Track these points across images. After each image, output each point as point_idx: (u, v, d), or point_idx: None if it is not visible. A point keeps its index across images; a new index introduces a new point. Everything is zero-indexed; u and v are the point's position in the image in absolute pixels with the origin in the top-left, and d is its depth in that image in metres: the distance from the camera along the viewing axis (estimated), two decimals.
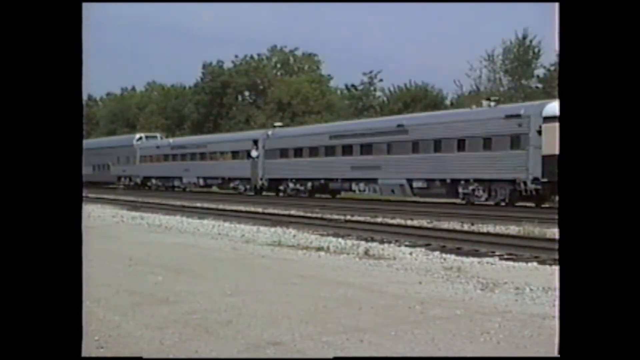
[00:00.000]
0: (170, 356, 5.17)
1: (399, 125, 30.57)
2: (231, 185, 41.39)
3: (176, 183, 47.70)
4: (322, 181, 34.82)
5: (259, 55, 69.41)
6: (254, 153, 38.82)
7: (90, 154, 55.38)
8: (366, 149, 32.04)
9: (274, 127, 41.48)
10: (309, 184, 35.72)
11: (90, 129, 76.39)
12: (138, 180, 52.18)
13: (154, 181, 50.83)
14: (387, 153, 30.83)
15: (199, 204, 28.54)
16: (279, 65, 69.86)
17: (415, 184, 28.97)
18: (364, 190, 32.29)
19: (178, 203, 29.98)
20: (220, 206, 27.12)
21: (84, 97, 3.47)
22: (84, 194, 4.01)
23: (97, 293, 7.39)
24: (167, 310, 6.76)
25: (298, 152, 36.75)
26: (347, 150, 33.01)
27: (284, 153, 37.91)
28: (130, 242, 14.07)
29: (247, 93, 69.75)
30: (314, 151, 35.57)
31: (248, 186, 39.54)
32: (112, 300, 7.36)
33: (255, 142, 39.28)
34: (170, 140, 51.87)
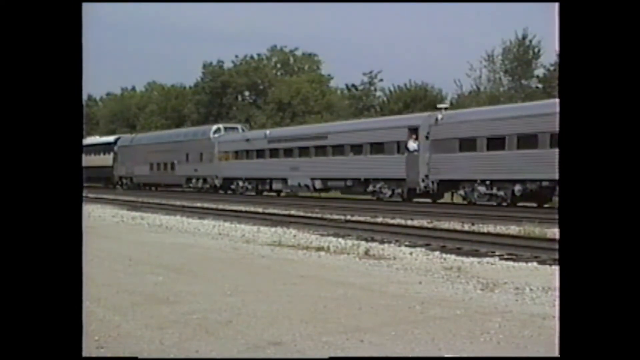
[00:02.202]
0: (171, 356, 5.17)
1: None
2: (369, 188, 30.12)
3: (277, 186, 36.65)
4: None
5: (259, 55, 69.46)
6: (412, 145, 27.87)
7: (148, 150, 49.31)
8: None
9: (439, 108, 29.17)
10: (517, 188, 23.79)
11: (90, 129, 76.31)
12: (217, 182, 41.40)
13: (240, 184, 39.47)
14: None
15: (199, 204, 28.55)
16: (279, 65, 69.86)
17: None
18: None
19: (178, 203, 29.98)
20: (220, 206, 27.13)
21: (84, 97, 3.47)
22: (84, 194, 4.01)
23: (97, 293, 7.39)
24: (167, 310, 6.76)
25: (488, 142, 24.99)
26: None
27: (465, 144, 25.88)
28: (130, 242, 14.07)
29: (247, 93, 69.75)
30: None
31: (399, 190, 28.73)
32: (112, 300, 7.35)
33: (414, 129, 28.06)
34: (267, 131, 40.21)
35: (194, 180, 43.99)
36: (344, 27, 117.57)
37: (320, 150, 33.52)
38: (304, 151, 34.63)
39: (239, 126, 46.20)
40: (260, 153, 38.19)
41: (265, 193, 38.04)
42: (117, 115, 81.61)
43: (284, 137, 37.34)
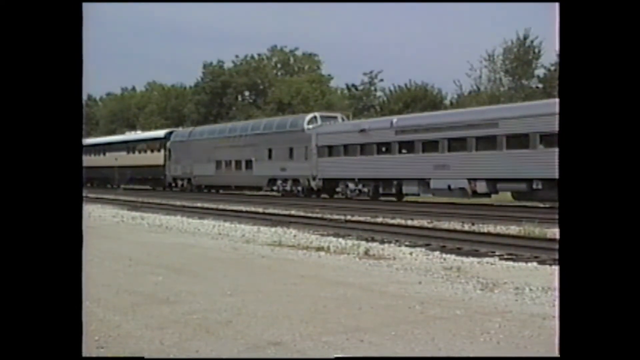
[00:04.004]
0: (171, 356, 5.17)
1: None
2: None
3: (410, 189, 28.26)
4: None
5: (259, 55, 69.54)
6: None
7: (213, 145, 41.29)
8: None
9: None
10: None
11: (90, 129, 76.29)
12: (313, 185, 33.37)
13: (351, 186, 31.21)
14: None
15: (199, 204, 28.54)
16: (279, 65, 69.91)
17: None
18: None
19: (178, 203, 29.97)
20: (221, 206, 27.12)
21: (84, 97, 3.47)
22: (84, 194, 4.01)
23: (97, 293, 7.39)
24: (167, 310, 6.75)
25: None
26: None
27: None
28: (130, 242, 14.06)
29: (247, 93, 69.81)
30: None
31: None
32: (112, 300, 7.35)
33: None
34: (393, 119, 30.71)
35: (279, 182, 35.76)
36: (344, 27, 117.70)
37: (486, 142, 24.72)
38: (457, 143, 25.96)
39: (338, 115, 37.53)
40: (383, 147, 29.54)
41: (381, 198, 30.08)
42: (117, 115, 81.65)
43: (423, 125, 27.87)
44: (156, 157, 48.17)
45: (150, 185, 48.82)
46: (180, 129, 51.99)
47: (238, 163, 39.07)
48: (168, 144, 46.84)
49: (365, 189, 30.44)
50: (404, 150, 28.69)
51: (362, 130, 30.79)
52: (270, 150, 36.52)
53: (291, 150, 35.07)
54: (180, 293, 7.70)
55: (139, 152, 50.76)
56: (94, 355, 5.13)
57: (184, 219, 20.69)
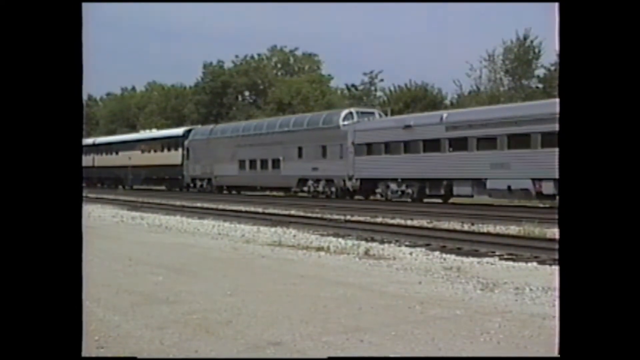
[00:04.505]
0: (170, 356, 5.17)
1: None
2: None
3: (462, 190, 25.69)
4: None
5: (259, 55, 69.53)
6: None
7: (237, 144, 38.96)
8: None
9: None
10: None
11: (90, 129, 76.27)
12: (349, 185, 30.88)
13: (393, 187, 28.56)
14: None
15: (199, 204, 28.54)
16: (279, 65, 69.90)
17: None
18: None
19: (178, 203, 29.97)
20: (220, 206, 27.12)
21: (84, 97, 3.47)
22: (84, 194, 4.01)
23: (97, 293, 7.39)
24: (167, 310, 6.76)
25: None
26: None
27: None
28: (130, 242, 14.07)
29: (247, 93, 69.81)
30: None
31: None
32: (112, 300, 7.35)
33: None
34: (444, 114, 28.24)
35: (310, 182, 33.31)
36: (344, 27, 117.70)
37: (555, 138, 22.26)
38: (519, 140, 23.70)
39: (375, 110, 35.15)
40: (430, 144, 27.13)
41: (426, 200, 27.58)
42: (117, 115, 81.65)
43: (478, 120, 25.48)
44: (173, 156, 45.66)
45: (166, 186, 46.67)
46: (199, 126, 49.19)
47: (264, 162, 36.70)
48: (186, 142, 44.36)
49: (409, 190, 28.08)
50: (455, 148, 26.19)
51: (407, 127, 28.37)
52: (300, 149, 34.10)
53: (324, 148, 32.61)
54: (180, 293, 7.70)
55: (155, 151, 48.18)
56: (93, 355, 5.12)
57: (183, 219, 20.70)
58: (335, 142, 31.96)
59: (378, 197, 30.06)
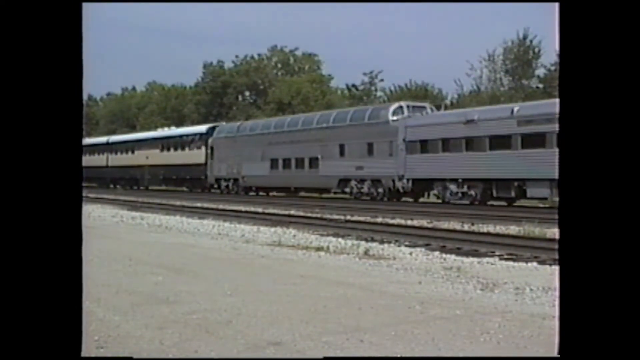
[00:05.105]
0: (170, 356, 5.17)
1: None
2: None
3: (537, 191, 23.58)
4: None
5: (259, 55, 69.58)
6: None
7: (268, 141, 36.29)
8: None
9: None
10: None
11: (90, 129, 76.25)
12: (400, 186, 28.36)
13: (452, 188, 26.31)
14: None
15: (199, 204, 28.54)
16: (279, 65, 69.94)
17: None
18: None
19: (178, 203, 29.96)
20: (220, 206, 27.12)
21: (84, 97, 3.47)
22: (84, 194, 4.01)
23: (97, 293, 7.38)
24: (167, 310, 6.75)
25: None
26: None
27: None
28: (130, 242, 14.06)
29: (247, 93, 69.85)
30: None
31: None
32: (112, 300, 7.35)
33: None
34: (514, 107, 25.68)
35: (353, 183, 30.76)
36: (344, 27, 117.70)
37: None
38: None
39: (426, 105, 32.36)
40: (499, 141, 24.61)
41: (492, 202, 25.28)
42: (117, 115, 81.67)
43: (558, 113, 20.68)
44: (196, 155, 42.77)
45: (188, 187, 44.39)
46: (223, 123, 46.88)
47: (299, 161, 33.85)
48: (210, 140, 41.55)
49: (472, 192, 25.61)
50: (529, 145, 23.42)
51: (470, 121, 25.58)
52: (342, 146, 31.46)
53: (370, 145, 29.94)
54: (180, 293, 7.70)
55: (175, 149, 45.38)
56: (93, 355, 5.12)
57: (183, 219, 20.69)
58: (383, 138, 29.35)
59: (432, 199, 27.96)
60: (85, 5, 3.33)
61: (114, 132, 69.79)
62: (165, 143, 47.21)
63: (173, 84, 78.79)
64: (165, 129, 53.62)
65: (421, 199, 28.77)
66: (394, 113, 29.97)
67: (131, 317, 6.49)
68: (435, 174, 26.88)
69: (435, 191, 27.47)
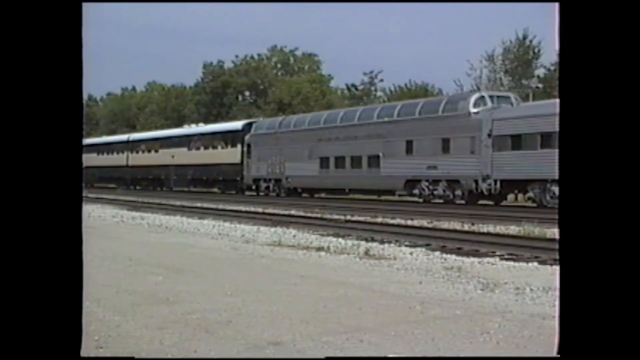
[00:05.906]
0: (170, 356, 5.17)
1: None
2: None
3: None
4: None
5: (259, 55, 69.60)
6: None
7: (316, 138, 32.64)
8: None
9: None
10: None
11: (90, 129, 76.25)
12: (484, 187, 24.60)
13: (553, 189, 22.10)
14: None
15: (199, 204, 28.53)
16: (279, 65, 69.96)
17: None
18: None
19: (178, 203, 29.95)
20: (220, 206, 27.12)
21: (84, 97, 3.47)
22: (84, 194, 4.01)
23: (97, 293, 7.38)
24: (167, 310, 6.75)
25: None
26: None
27: None
28: (130, 242, 14.06)
29: (247, 93, 69.88)
30: None
31: None
32: (112, 300, 7.35)
33: None
34: None
35: (423, 184, 26.93)
36: (344, 27, 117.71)
37: None
38: None
39: (511, 95, 28.48)
40: None
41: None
42: (117, 115, 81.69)
43: None
44: (230, 154, 39.51)
45: (220, 188, 41.09)
46: (261, 119, 43.45)
47: (356, 160, 29.95)
48: (247, 137, 38.09)
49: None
50: None
51: None
52: (409, 143, 27.45)
53: (446, 141, 26.12)
54: (180, 293, 7.70)
55: (205, 148, 42.21)
56: (93, 355, 5.12)
57: (183, 219, 20.68)
58: (463, 133, 25.46)
59: (518, 202, 24.74)
60: (85, 5, 3.33)
61: (114, 132, 69.75)
62: (195, 141, 44.01)
63: (173, 84, 78.90)
64: (193, 125, 50.51)
65: (503, 202, 25.31)
66: (475, 104, 25.88)
67: (131, 317, 6.48)
68: (532, 174, 22.98)
69: (530, 194, 23.68)
